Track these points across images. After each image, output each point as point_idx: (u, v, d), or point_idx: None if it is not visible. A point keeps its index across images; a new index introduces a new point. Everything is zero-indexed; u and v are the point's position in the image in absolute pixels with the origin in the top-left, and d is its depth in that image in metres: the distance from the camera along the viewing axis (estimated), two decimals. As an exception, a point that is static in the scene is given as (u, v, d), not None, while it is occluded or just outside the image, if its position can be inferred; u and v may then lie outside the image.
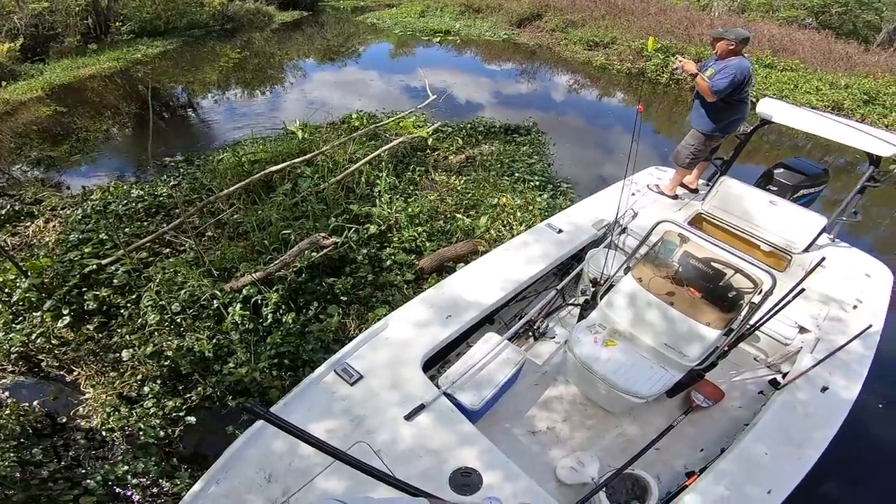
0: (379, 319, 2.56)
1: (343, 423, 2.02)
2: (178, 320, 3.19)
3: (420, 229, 4.16)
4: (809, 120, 3.41)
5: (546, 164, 5.96)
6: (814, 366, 2.47)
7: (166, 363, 2.93)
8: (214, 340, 3.07)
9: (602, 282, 2.87)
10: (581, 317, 2.87)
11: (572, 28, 14.03)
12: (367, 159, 4.95)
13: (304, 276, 3.56)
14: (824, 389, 2.40)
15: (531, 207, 4.62)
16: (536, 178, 5.29)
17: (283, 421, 1.07)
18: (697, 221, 3.66)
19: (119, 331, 3.19)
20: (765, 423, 2.23)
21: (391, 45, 13.27)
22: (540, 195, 4.94)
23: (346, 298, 3.52)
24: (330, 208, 4.36)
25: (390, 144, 5.28)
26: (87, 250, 3.74)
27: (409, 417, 2.05)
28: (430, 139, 5.81)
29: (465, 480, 1.84)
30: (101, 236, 3.92)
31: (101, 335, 3.19)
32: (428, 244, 4.06)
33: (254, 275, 3.41)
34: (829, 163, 7.73)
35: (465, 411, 2.18)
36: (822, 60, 11.49)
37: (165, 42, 11.55)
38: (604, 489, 2.07)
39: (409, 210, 4.33)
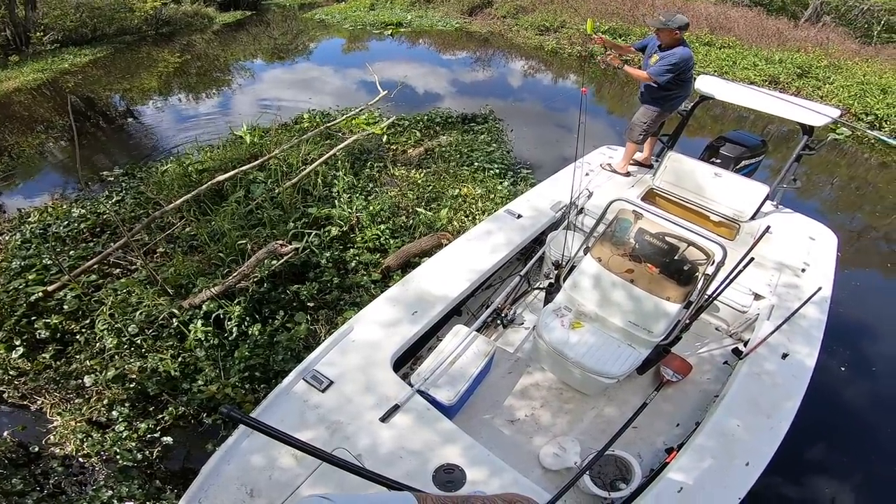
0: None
1: (319, 432, 1.97)
2: (138, 342, 3.07)
3: (383, 227, 4.08)
4: (744, 95, 3.55)
5: (505, 150, 5.97)
6: (772, 332, 2.53)
7: (132, 386, 2.83)
8: (180, 359, 2.97)
9: (564, 264, 2.89)
10: (547, 300, 2.87)
11: (523, 14, 14.12)
12: (322, 160, 4.80)
13: (266, 285, 3.44)
14: (785, 356, 2.47)
15: (493, 196, 4.63)
16: (496, 165, 5.30)
17: (264, 424, 1.02)
18: (650, 197, 3.75)
19: (77, 357, 3.06)
20: (733, 394, 2.27)
21: (342, 41, 12.95)
22: (501, 183, 4.94)
23: (312, 304, 3.42)
24: (287, 213, 4.21)
25: (344, 143, 5.14)
26: (31, 277, 3.52)
27: (384, 419, 2.01)
28: (386, 134, 5.71)
29: (449, 477, 1.82)
30: (44, 261, 3.69)
31: (59, 363, 3.05)
32: (392, 241, 3.99)
33: (212, 289, 3.26)
34: (769, 133, 8.11)
35: (441, 407, 2.16)
36: (756, 37, 12.00)
37: (94, 50, 10.81)
38: (588, 472, 2.08)
39: (371, 208, 4.24)
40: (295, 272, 3.69)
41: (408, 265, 3.74)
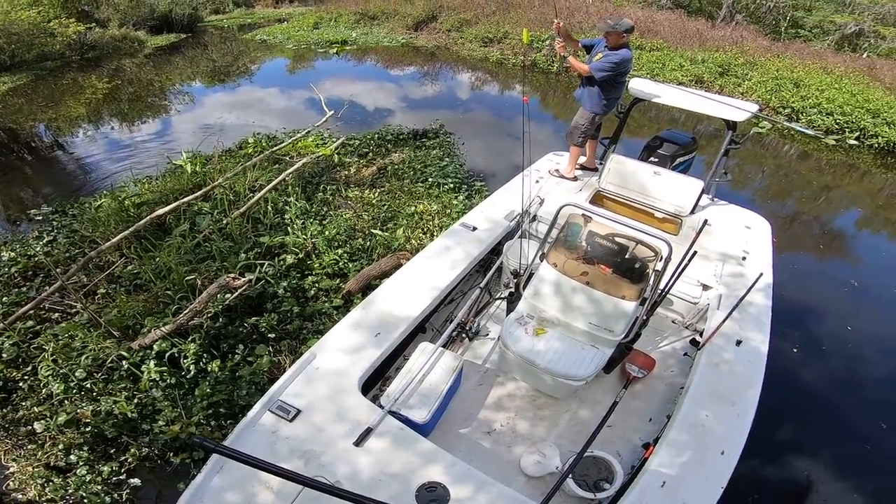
0: (314, 351, 2.43)
1: (293, 462, 1.89)
2: (88, 385, 2.94)
3: (340, 251, 4.00)
4: (673, 95, 3.76)
5: (458, 164, 6.03)
6: (723, 321, 2.62)
7: (87, 430, 2.72)
8: (136, 400, 2.86)
9: (522, 272, 2.92)
10: (509, 310, 2.89)
11: (467, 27, 14.40)
12: (270, 186, 4.66)
13: (221, 320, 3.31)
14: (739, 343, 2.56)
15: (449, 211, 4.65)
16: (450, 180, 5.33)
17: (239, 452, 0.95)
18: (598, 199, 3.87)
19: (23, 404, 2.91)
20: (696, 386, 2.33)
21: (287, 61, 12.73)
22: (456, 197, 4.98)
23: (273, 336, 3.32)
24: (238, 244, 4.04)
25: (294, 167, 5.02)
26: (-37, 327, 3.25)
27: (358, 443, 1.95)
28: (337, 155, 5.63)
29: (432, 496, 1.79)
30: (-25, 310, 3.42)
31: (4, 410, 2.90)
32: (351, 265, 3.91)
33: (162, 328, 3.12)
34: (700, 131, 8.66)
35: (415, 426, 2.12)
36: (679, 38, 12.68)
37: (14, 77, 10.06)
38: (571, 475, 2.09)
39: (326, 233, 4.15)
40: (251, 304, 3.55)
41: (369, 288, 3.69)
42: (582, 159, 4.30)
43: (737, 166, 8.07)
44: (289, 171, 4.96)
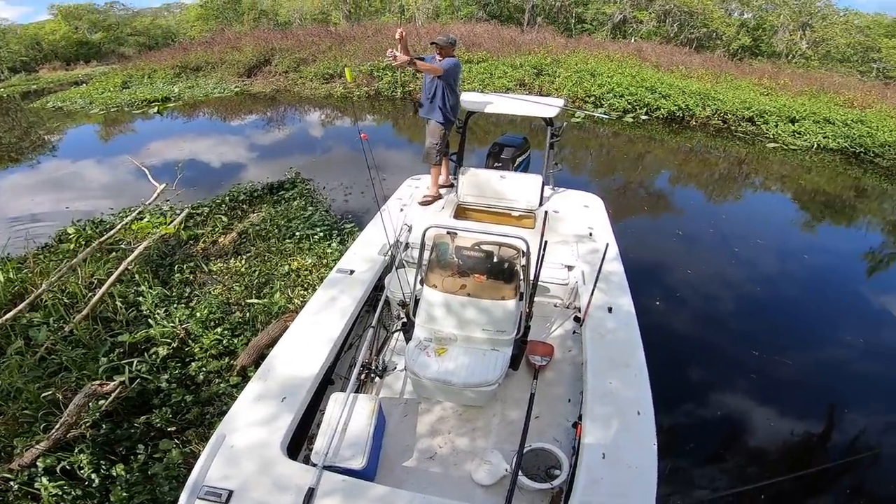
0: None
1: None
2: None
3: (220, 329, 3.72)
4: (498, 103, 4.21)
5: (323, 210, 5.91)
6: (591, 293, 2.96)
7: None
8: None
9: (408, 301, 3.02)
10: (407, 339, 2.97)
11: (304, 65, 14.26)
12: (111, 280, 4.11)
13: (105, 426, 2.99)
14: (611, 310, 2.84)
15: (325, 260, 4.57)
16: (318, 229, 5.19)
17: None
18: (461, 212, 4.16)
19: None
20: (592, 359, 2.51)
21: (97, 127, 11.16)
22: (329, 245, 4.89)
23: (174, 428, 3.05)
24: (91, 349, 3.55)
25: (134, 253, 4.49)
26: None
27: None
28: (184, 230, 5.10)
29: None
30: None
31: None
32: (236, 341, 3.67)
33: (37, 447, 2.78)
34: (534, 128, 9.93)
35: (357, 474, 2.09)
36: (499, 47, 14.11)
37: None
38: (522, 472, 2.19)
39: (197, 315, 3.81)
40: (135, 404, 3.22)
41: (262, 358, 3.49)
42: (440, 179, 4.55)
43: (570, 154, 9.40)
44: (129, 258, 4.42)
